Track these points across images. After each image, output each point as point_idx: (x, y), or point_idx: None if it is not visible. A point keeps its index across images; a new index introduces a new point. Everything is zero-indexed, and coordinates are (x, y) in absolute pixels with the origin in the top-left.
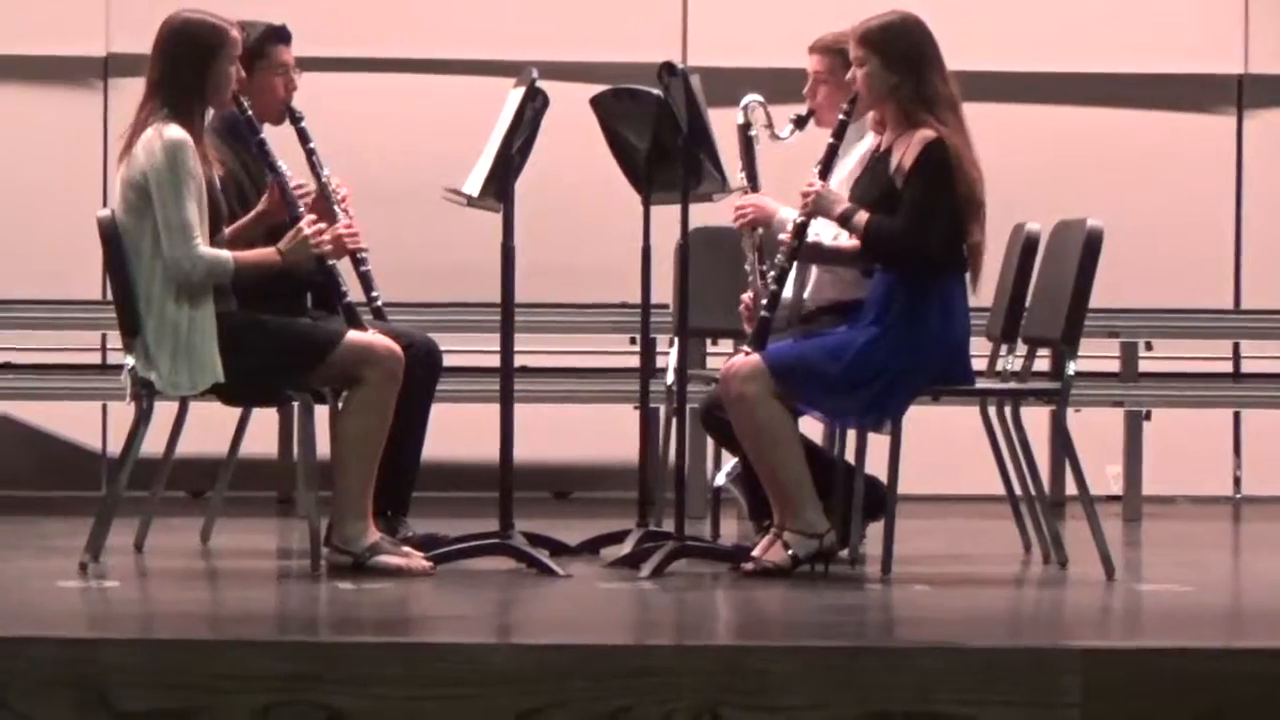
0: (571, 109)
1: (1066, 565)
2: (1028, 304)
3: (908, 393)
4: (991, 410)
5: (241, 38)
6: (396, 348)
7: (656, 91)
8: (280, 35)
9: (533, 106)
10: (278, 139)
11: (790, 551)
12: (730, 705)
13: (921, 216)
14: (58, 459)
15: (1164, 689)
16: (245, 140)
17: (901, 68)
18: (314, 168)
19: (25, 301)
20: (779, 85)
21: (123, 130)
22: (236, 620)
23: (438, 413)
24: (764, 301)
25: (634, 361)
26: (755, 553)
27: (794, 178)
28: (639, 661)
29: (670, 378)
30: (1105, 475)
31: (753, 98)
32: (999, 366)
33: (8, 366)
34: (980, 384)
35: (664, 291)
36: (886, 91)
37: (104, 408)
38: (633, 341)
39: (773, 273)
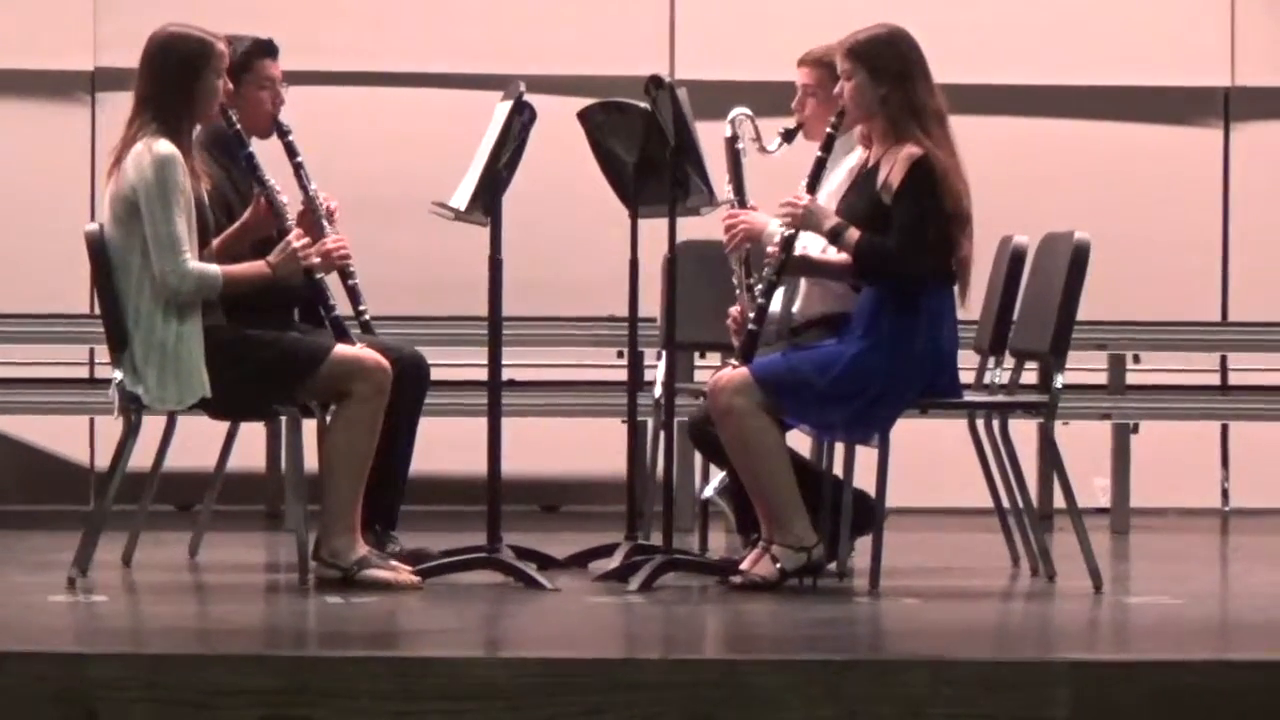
0: (559, 122)
1: (1055, 578)
2: (1015, 317)
3: (896, 406)
4: (979, 423)
5: (228, 52)
6: (384, 362)
7: (644, 105)
8: (267, 49)
9: (520, 120)
10: (265, 153)
11: (778, 565)
12: (719, 719)
13: (913, 237)
14: (45, 473)
15: (1153, 702)
16: (233, 154)
17: (888, 81)
18: (301, 182)
19: (13, 316)
20: (767, 98)
21: (110, 145)
22: (225, 634)
23: (425, 426)
24: (751, 315)
25: (622, 375)
26: (743, 566)
27: (782, 191)
28: (628, 675)
29: (658, 391)
30: (1093, 488)
31: (740, 111)
32: (987, 379)
33: None
34: (968, 397)
35: (652, 305)
36: (874, 104)
37: (91, 422)
38: (620, 355)
39: (760, 286)
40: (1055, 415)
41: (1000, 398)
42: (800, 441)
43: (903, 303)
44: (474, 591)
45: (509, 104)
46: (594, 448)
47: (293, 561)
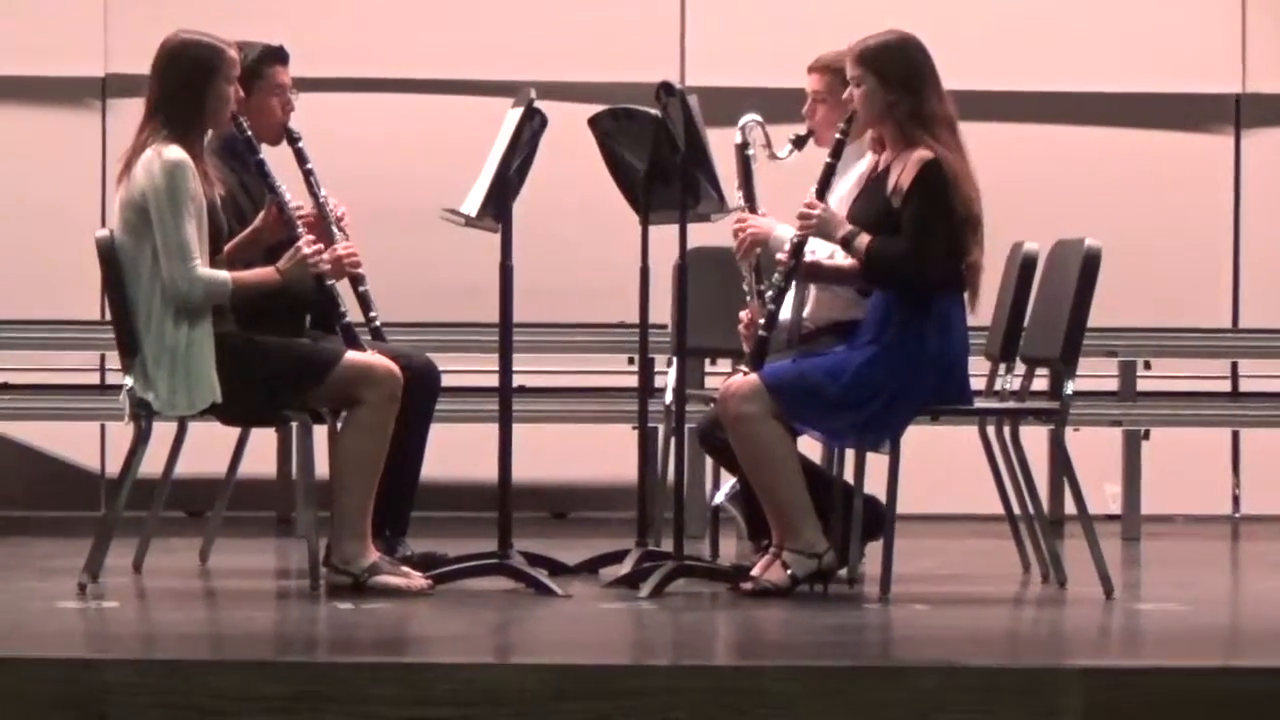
0: (569, 129)
1: (1065, 584)
2: (1026, 323)
3: (906, 412)
4: (990, 430)
5: (239, 58)
6: (395, 368)
7: (654, 111)
8: (278, 56)
9: (531, 126)
10: (275, 159)
11: (789, 571)
12: None
13: (921, 240)
14: (56, 479)
15: (1162, 708)
16: (244, 160)
17: (898, 87)
18: (311, 188)
19: (23, 321)
20: (778, 105)
21: (121, 151)
22: (236, 640)
23: (436, 433)
24: (762, 321)
25: (632, 381)
26: (754, 572)
27: (792, 198)
28: (638, 681)
29: (669, 397)
30: (1104, 494)
31: (751, 117)
32: (997, 386)
33: (6, 387)
34: (979, 403)
35: (662, 311)
36: (883, 111)
37: (102, 428)
38: (631, 361)
39: (770, 292)
40: (1066, 422)
41: (1011, 404)
42: (811, 447)
43: (913, 309)
44: (485, 597)
45: (520, 110)
46: (604, 454)
47: (303, 567)
